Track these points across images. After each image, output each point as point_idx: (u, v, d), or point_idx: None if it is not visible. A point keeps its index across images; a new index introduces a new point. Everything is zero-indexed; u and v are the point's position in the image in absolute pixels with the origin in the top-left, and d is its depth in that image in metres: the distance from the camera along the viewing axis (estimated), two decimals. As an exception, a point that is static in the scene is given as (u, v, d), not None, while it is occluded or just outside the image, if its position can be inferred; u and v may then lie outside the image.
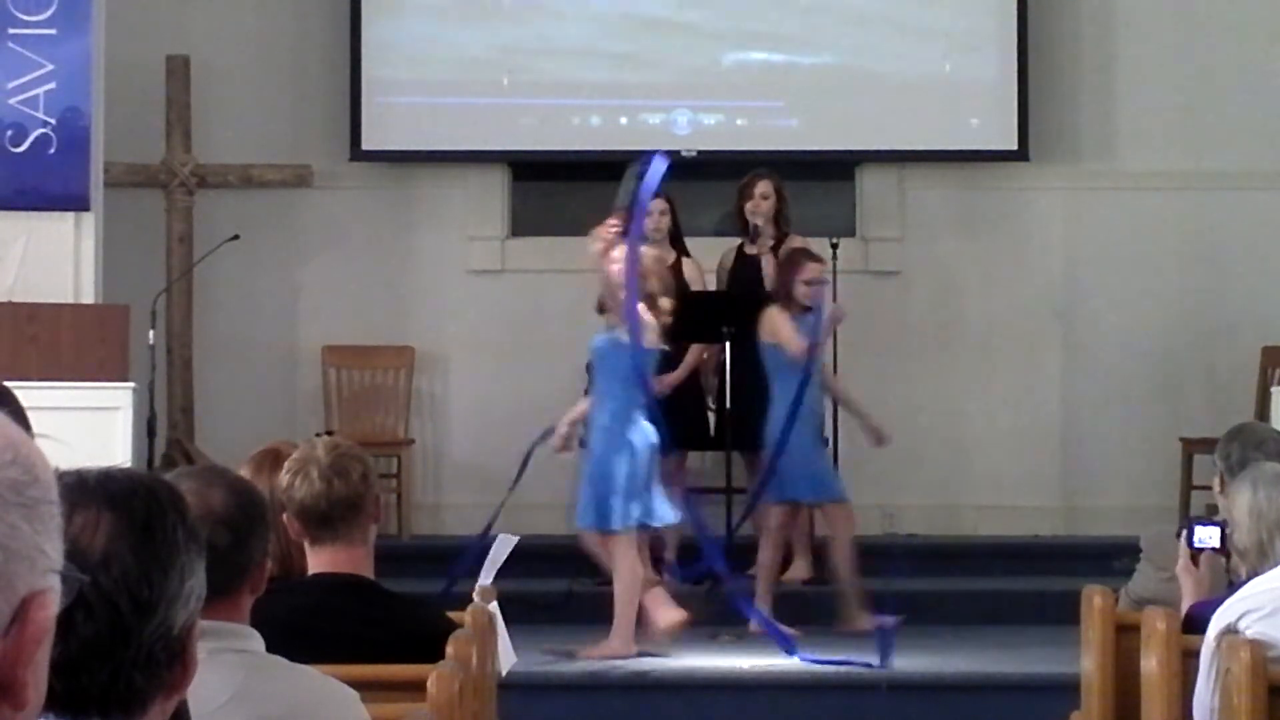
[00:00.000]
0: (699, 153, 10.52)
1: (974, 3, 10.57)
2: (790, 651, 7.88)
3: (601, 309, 9.40)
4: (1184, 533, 5.14)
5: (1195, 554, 5.10)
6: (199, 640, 1.82)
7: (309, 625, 3.88)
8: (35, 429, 2.90)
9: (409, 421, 10.50)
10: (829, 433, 9.53)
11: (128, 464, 6.55)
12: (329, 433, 8.67)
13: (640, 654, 7.97)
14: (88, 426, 7.64)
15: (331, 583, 4.03)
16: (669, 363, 9.28)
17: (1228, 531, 4.77)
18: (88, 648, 1.71)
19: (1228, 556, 4.89)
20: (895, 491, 10.43)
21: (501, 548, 5.98)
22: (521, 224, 10.81)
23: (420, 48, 10.59)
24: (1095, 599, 5.14)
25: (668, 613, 8.04)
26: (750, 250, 9.42)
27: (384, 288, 10.62)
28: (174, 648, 1.76)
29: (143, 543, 1.78)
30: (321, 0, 10.65)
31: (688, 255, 9.48)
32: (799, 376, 8.46)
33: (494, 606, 4.87)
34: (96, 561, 1.73)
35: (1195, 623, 4.67)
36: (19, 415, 3.45)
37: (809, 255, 8.79)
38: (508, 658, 5.13)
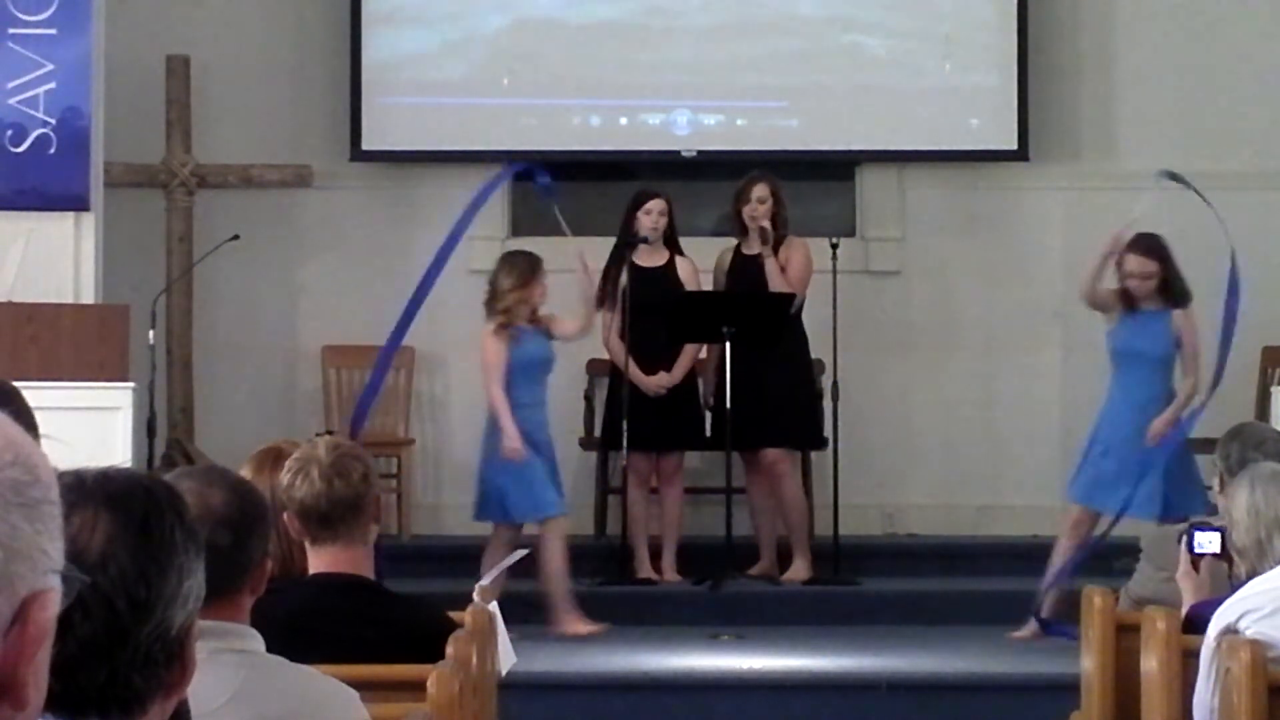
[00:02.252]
0: (699, 153, 10.53)
1: (974, 2, 10.57)
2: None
3: (600, 304, 9.42)
4: (1184, 538, 5.13)
5: (1196, 559, 5.09)
6: (199, 640, 1.82)
7: (309, 625, 3.88)
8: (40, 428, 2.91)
9: (409, 421, 10.50)
10: (829, 430, 9.53)
11: (128, 464, 6.56)
12: (329, 433, 8.67)
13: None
14: (88, 426, 7.64)
15: (331, 583, 4.03)
16: (663, 363, 9.30)
17: (1227, 532, 4.77)
18: (85, 648, 1.70)
19: (1229, 562, 4.89)
20: (895, 491, 10.43)
21: (509, 558, 6.02)
22: (521, 224, 10.81)
23: (420, 48, 10.59)
24: (1095, 599, 5.13)
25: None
26: (747, 250, 9.41)
27: (384, 288, 10.60)
28: (172, 648, 1.76)
29: (140, 543, 1.77)
30: (321, 1, 10.65)
31: (681, 254, 9.48)
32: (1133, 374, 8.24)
33: (494, 606, 4.87)
34: (94, 562, 1.73)
35: (1195, 623, 4.67)
36: (24, 414, 3.46)
37: (1137, 244, 8.35)
38: (508, 658, 5.13)
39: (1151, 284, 8.28)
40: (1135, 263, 8.26)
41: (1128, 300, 8.33)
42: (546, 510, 8.53)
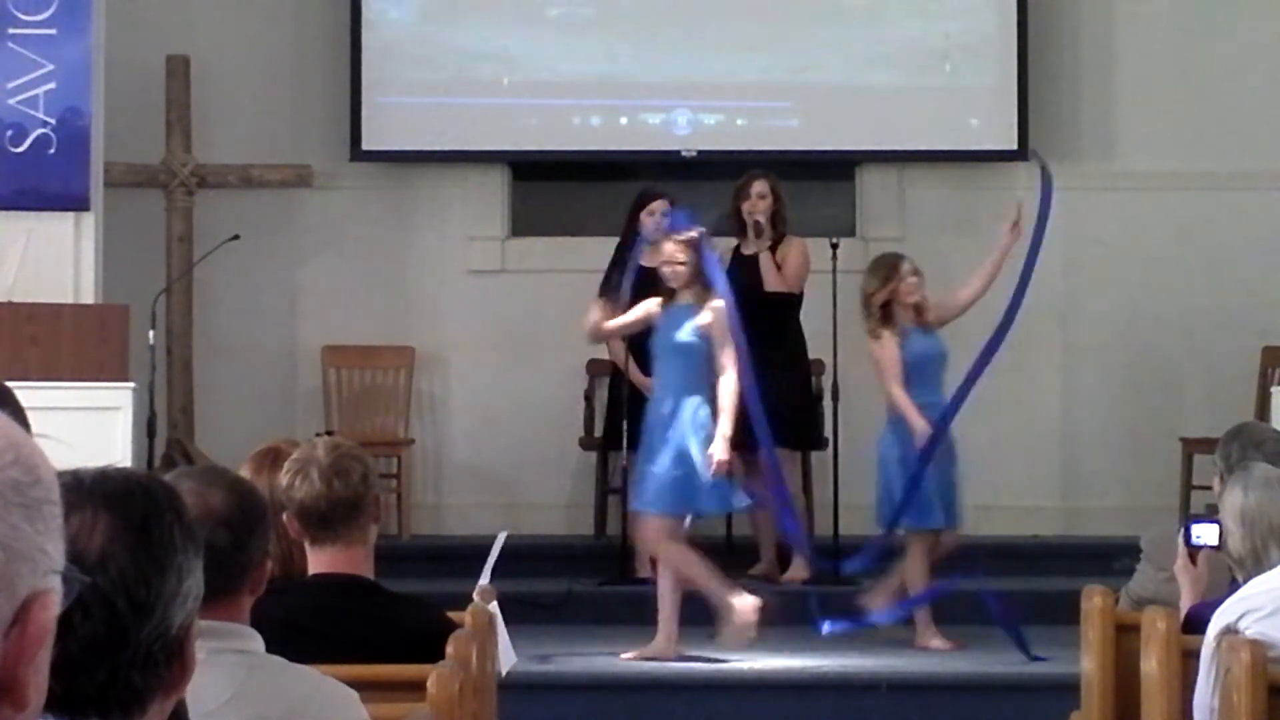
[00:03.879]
0: (699, 153, 10.52)
1: (974, 3, 10.58)
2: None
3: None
4: (1181, 531, 5.14)
5: (1193, 552, 5.10)
6: (199, 640, 1.82)
7: (309, 625, 3.88)
8: (35, 429, 2.90)
9: (409, 421, 10.50)
10: (828, 430, 9.53)
11: (127, 464, 6.55)
12: (329, 433, 8.67)
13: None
14: (88, 426, 7.65)
15: (331, 583, 4.03)
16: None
17: (1223, 534, 4.76)
18: (85, 648, 1.71)
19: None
20: (895, 491, 10.41)
21: (495, 544, 5.99)
22: (521, 224, 10.81)
23: (420, 48, 10.59)
24: (1095, 599, 5.14)
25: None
26: (747, 250, 9.41)
27: (384, 288, 10.62)
28: (172, 647, 1.76)
29: (140, 543, 1.77)
30: (321, 0, 10.66)
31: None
32: None
33: (494, 606, 4.87)
34: (94, 562, 1.73)
35: (1195, 623, 4.67)
36: (19, 415, 3.45)
37: (679, 233, 8.19)
38: (508, 658, 5.13)
39: (683, 272, 8.05)
40: (669, 248, 8.08)
41: (669, 293, 8.15)
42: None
